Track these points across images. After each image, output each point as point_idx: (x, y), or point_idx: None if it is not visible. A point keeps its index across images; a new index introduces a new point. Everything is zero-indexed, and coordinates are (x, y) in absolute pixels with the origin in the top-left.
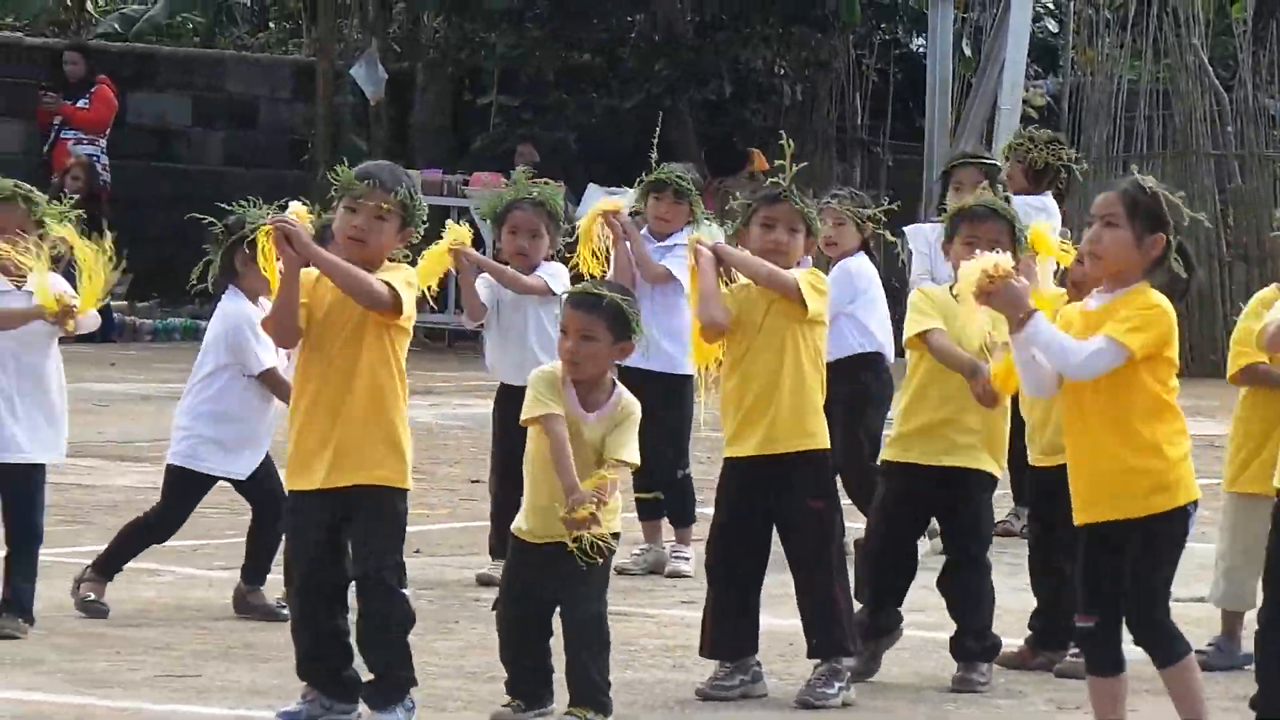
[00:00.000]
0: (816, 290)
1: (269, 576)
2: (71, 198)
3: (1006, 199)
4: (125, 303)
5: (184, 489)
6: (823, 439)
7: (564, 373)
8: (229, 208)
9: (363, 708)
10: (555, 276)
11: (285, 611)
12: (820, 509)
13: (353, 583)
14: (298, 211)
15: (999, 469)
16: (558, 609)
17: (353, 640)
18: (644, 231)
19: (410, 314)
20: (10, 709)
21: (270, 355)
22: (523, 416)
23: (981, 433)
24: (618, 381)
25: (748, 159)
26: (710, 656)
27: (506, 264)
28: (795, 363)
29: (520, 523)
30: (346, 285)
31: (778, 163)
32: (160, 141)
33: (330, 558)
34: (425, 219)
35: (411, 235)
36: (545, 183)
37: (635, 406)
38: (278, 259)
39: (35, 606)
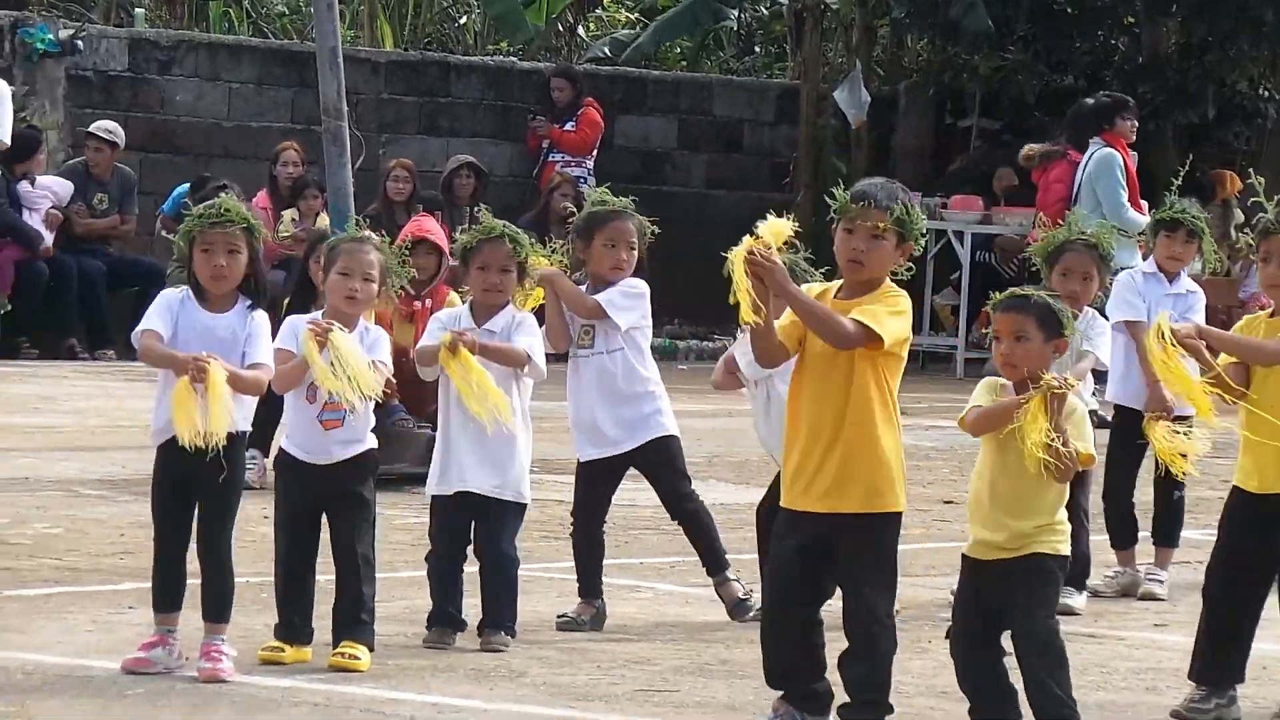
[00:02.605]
0: None
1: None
2: (557, 243)
3: None
4: None
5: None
6: None
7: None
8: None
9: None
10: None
11: (751, 603)
12: None
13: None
14: (775, 230)
15: None
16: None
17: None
18: (1153, 269)
19: (898, 340)
20: None
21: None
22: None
23: None
24: None
25: (1217, 184)
26: (1196, 681)
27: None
28: None
29: (968, 543)
30: (815, 328)
31: (1248, 181)
32: (646, 164)
33: (811, 575)
34: (924, 231)
35: (911, 250)
36: (1102, 222)
37: (1079, 404)
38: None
39: (519, 620)
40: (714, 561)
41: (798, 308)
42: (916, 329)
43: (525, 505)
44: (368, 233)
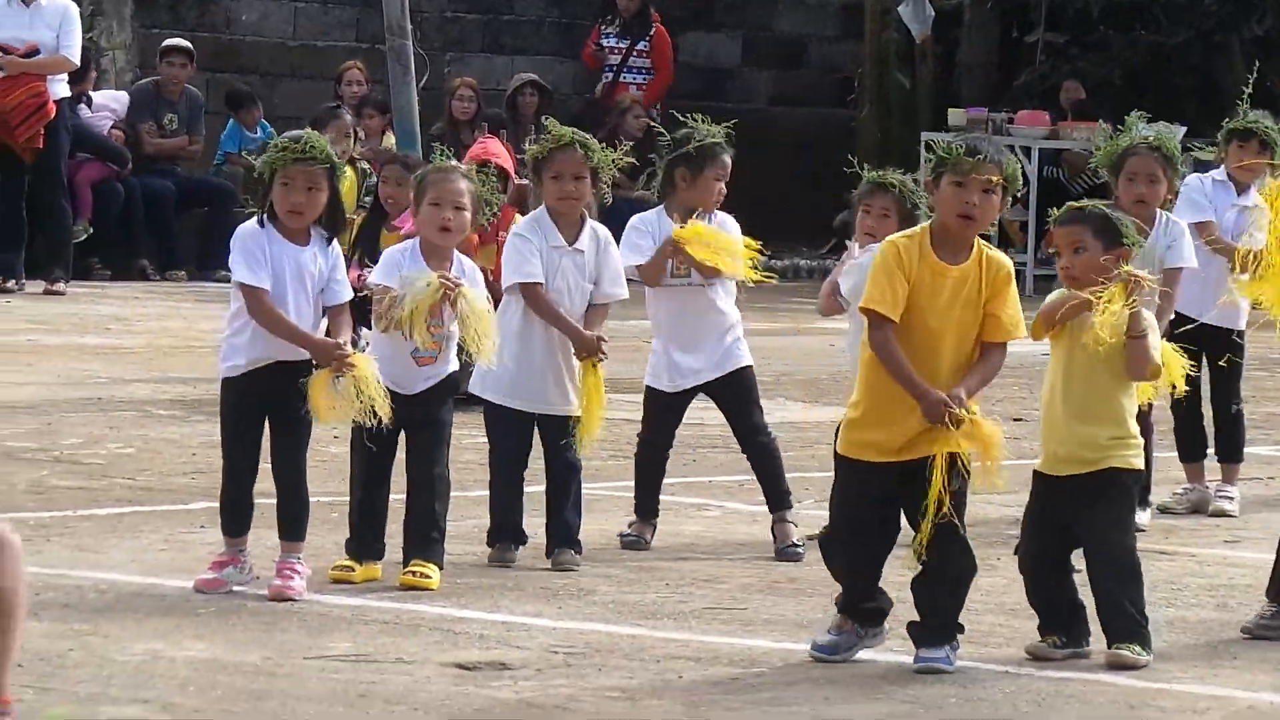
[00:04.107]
0: None
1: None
2: (626, 144)
3: None
4: None
5: (647, 406)
6: None
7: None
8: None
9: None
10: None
11: (800, 550)
12: None
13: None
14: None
15: None
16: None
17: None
18: (1223, 176)
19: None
20: (567, 639)
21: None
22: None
23: None
24: None
25: None
26: (1273, 599)
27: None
28: None
29: (1040, 459)
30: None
31: None
32: (709, 81)
33: (888, 514)
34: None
35: (1007, 206)
36: (1167, 126)
37: (1152, 319)
38: None
39: (586, 539)
40: (776, 499)
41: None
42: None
43: None
44: (454, 161)
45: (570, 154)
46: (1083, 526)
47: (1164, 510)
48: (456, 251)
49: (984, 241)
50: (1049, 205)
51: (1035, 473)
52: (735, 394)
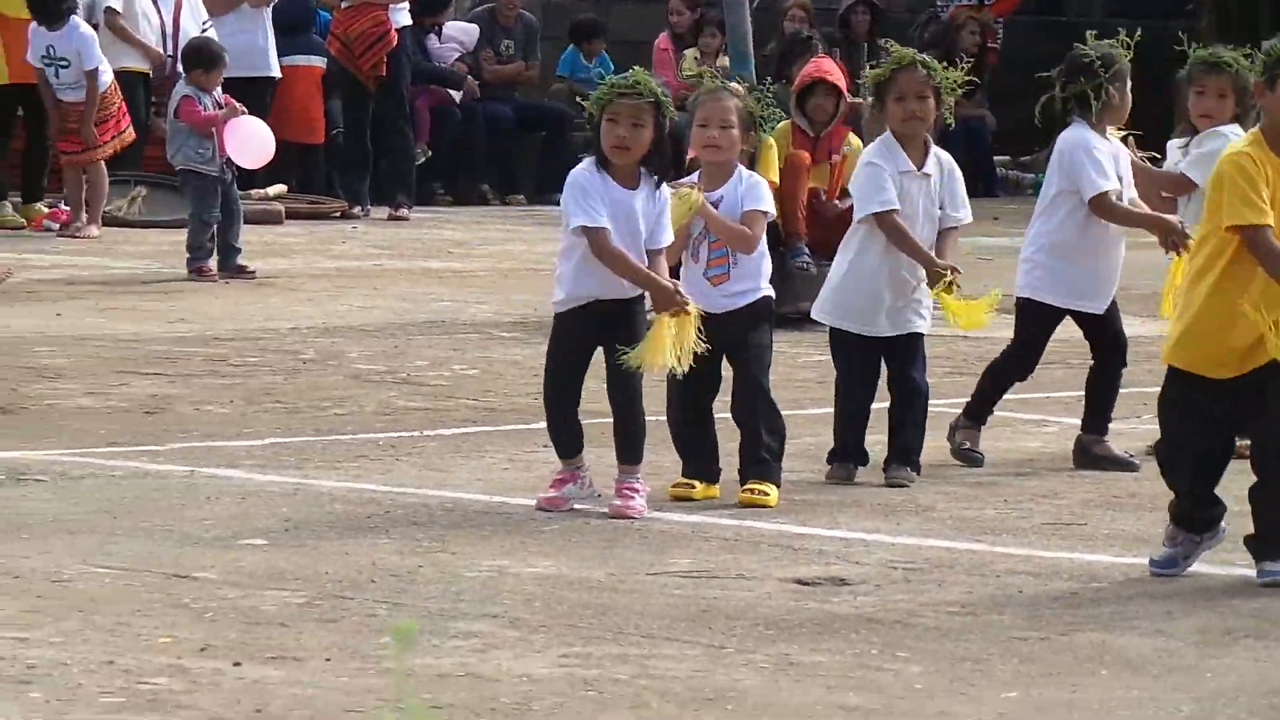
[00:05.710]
0: None
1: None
2: (962, 66)
3: None
4: (1007, 157)
5: (1030, 322)
6: None
7: None
8: None
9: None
10: None
11: (1135, 460)
12: None
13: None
14: None
15: None
16: None
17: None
18: None
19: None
20: (906, 555)
21: (1113, 183)
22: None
23: None
24: None
25: None
26: None
27: None
28: None
29: None
30: None
31: None
32: None
33: (1221, 426)
34: None
35: None
36: None
37: None
38: None
39: (924, 457)
40: (1099, 425)
41: None
42: None
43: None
44: (727, 83)
45: (912, 74)
46: None
47: None
48: (741, 168)
49: None
50: None
51: None
52: (1110, 316)
